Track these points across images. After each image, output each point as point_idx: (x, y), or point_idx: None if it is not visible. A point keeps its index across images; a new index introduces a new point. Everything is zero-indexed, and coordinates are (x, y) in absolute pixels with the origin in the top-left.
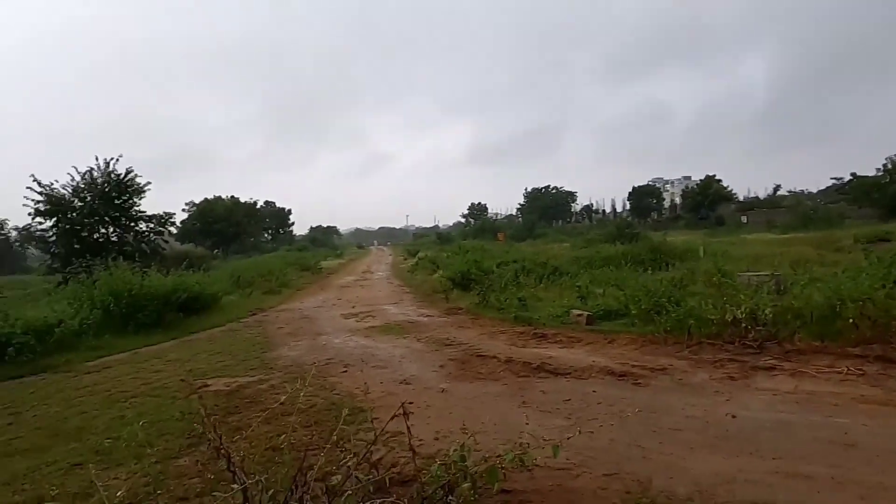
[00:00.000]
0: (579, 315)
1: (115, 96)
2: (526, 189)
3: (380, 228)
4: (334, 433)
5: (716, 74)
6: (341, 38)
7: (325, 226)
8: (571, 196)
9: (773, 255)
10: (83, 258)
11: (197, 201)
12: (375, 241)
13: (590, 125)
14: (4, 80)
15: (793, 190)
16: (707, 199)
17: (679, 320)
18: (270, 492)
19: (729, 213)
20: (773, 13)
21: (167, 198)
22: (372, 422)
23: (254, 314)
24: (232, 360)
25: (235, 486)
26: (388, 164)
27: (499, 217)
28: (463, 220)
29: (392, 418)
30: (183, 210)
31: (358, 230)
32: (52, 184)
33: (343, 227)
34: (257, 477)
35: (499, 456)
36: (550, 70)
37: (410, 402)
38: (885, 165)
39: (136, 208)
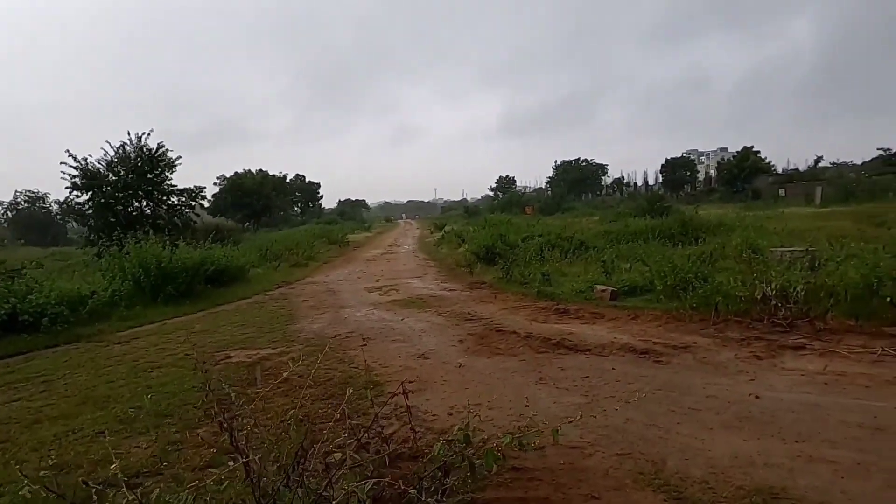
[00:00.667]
0: (603, 290)
1: (153, 69)
2: (555, 161)
3: (408, 202)
4: (339, 409)
5: (761, 39)
6: (376, 4)
7: (353, 199)
8: (602, 168)
9: (809, 230)
10: (116, 231)
11: (228, 175)
12: (403, 215)
13: (626, 94)
14: (45, 49)
15: (835, 162)
16: (743, 171)
17: (706, 297)
18: (275, 466)
19: (766, 186)
20: None
21: (202, 170)
22: (391, 397)
23: (280, 287)
24: (255, 332)
25: (235, 461)
26: (418, 136)
27: (527, 190)
28: (491, 193)
29: (392, 396)
30: (214, 184)
31: (386, 203)
32: (86, 158)
33: (371, 200)
34: (258, 455)
35: (498, 438)
36: (588, 36)
37: (423, 379)
38: None
39: (168, 182)
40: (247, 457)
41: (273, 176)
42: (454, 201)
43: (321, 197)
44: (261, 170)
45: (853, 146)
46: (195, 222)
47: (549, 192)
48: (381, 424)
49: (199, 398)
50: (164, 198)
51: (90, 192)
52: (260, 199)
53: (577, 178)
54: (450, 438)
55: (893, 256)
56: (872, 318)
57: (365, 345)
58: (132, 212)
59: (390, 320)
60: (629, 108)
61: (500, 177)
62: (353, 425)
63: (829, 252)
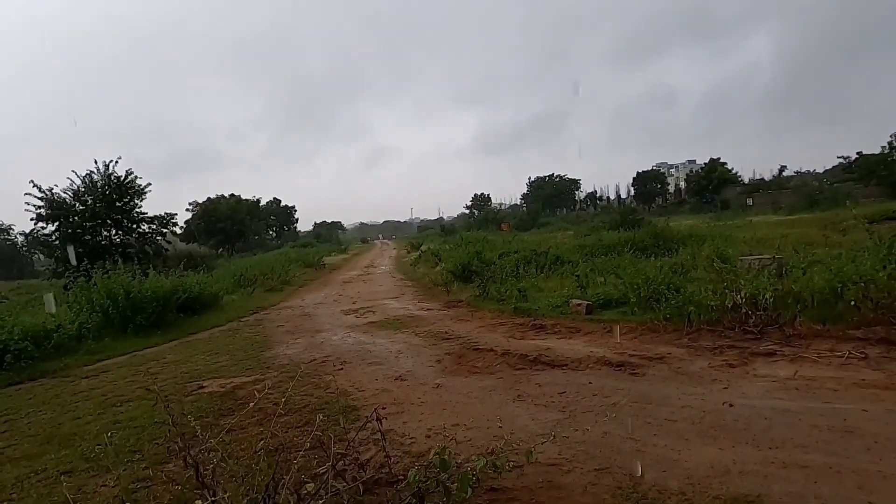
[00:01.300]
0: (578, 304)
1: (122, 97)
2: (529, 178)
3: (384, 222)
4: (311, 437)
5: (722, 55)
6: (348, 30)
7: (329, 221)
8: (575, 184)
9: (776, 238)
10: (84, 262)
11: (201, 201)
12: (380, 235)
13: (595, 111)
14: (10, 81)
15: (799, 171)
16: (711, 182)
17: (678, 307)
18: (245, 500)
19: (734, 196)
20: None
21: (176, 198)
22: (365, 423)
23: (255, 312)
24: (229, 361)
25: (202, 499)
26: (392, 157)
27: (503, 207)
28: (467, 211)
29: (365, 423)
30: (187, 210)
31: (362, 224)
32: (51, 188)
33: (347, 221)
34: (227, 489)
35: (474, 461)
36: (558, 55)
37: (400, 401)
38: (890, 142)
39: (138, 210)
40: (213, 493)
41: (247, 200)
42: (430, 220)
43: (296, 220)
44: (233, 194)
45: (814, 155)
46: (167, 250)
47: (525, 209)
48: (357, 450)
49: (172, 432)
50: (134, 226)
51: (56, 223)
52: (234, 224)
53: (551, 193)
54: (425, 463)
55: (854, 261)
56: (838, 322)
57: (341, 369)
58: (101, 241)
59: (367, 343)
60: (600, 123)
61: (475, 194)
62: (328, 453)
63: (796, 259)
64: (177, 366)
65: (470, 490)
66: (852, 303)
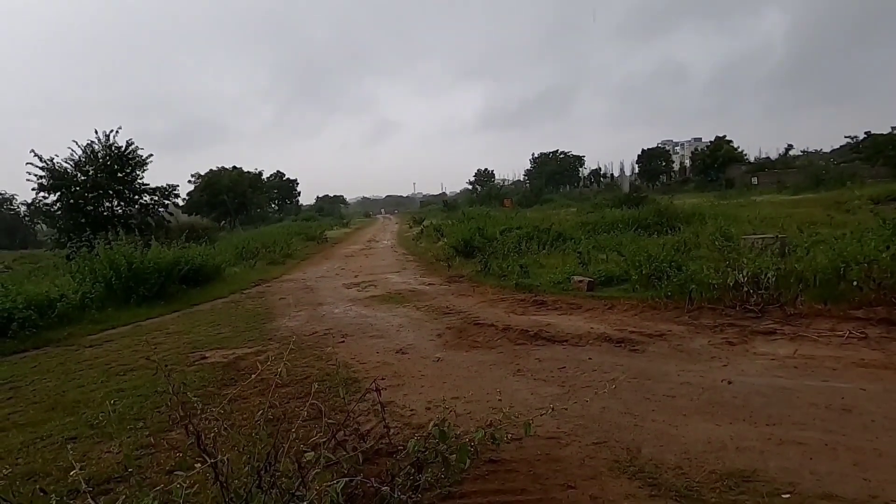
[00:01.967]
0: (580, 281)
1: (126, 69)
2: (533, 154)
3: (387, 197)
4: (310, 406)
5: (734, 31)
6: (354, 1)
7: (331, 195)
8: (579, 160)
9: (780, 217)
10: (86, 232)
11: (203, 173)
12: (382, 210)
13: (602, 87)
14: (16, 52)
15: (805, 150)
16: (717, 160)
17: (680, 285)
18: (247, 467)
19: (739, 175)
20: None
21: (181, 169)
22: (364, 393)
23: (256, 285)
24: (231, 332)
25: (201, 464)
26: (396, 131)
27: (506, 183)
28: (470, 186)
29: (364, 394)
30: (189, 182)
31: (365, 199)
32: (52, 158)
33: (350, 196)
34: (228, 457)
35: (473, 433)
36: (565, 29)
37: (401, 374)
38: None
39: (140, 181)
40: (215, 459)
41: (249, 173)
42: (433, 195)
43: (299, 193)
44: (235, 167)
45: (822, 134)
46: (169, 221)
47: (528, 185)
48: (357, 421)
49: (174, 401)
50: (136, 197)
51: (58, 193)
52: (235, 196)
53: (554, 170)
54: (424, 434)
55: (858, 241)
56: (840, 301)
57: (342, 342)
58: (103, 212)
59: (368, 316)
60: (607, 100)
61: (478, 170)
62: (329, 423)
63: (799, 238)
64: (179, 336)
65: (469, 461)
66: (854, 283)
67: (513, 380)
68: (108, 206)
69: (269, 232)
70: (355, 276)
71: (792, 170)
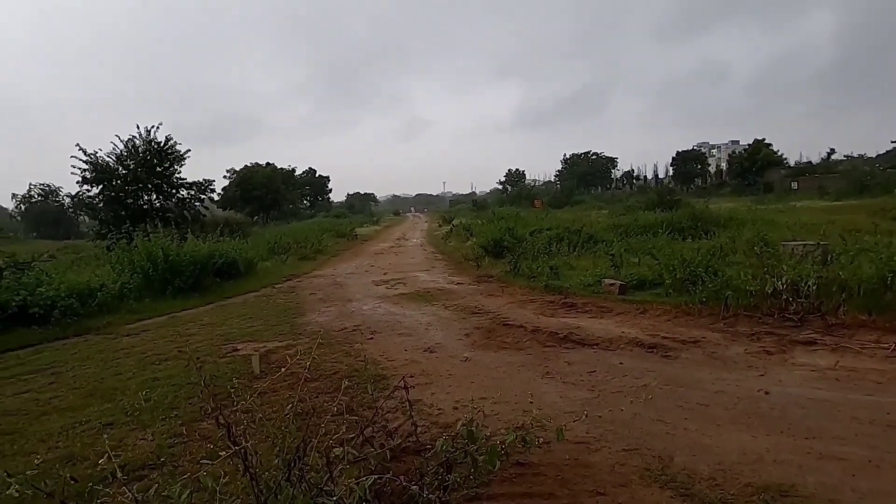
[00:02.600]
0: (611, 284)
1: (167, 64)
2: (565, 155)
3: (416, 195)
4: (338, 402)
5: (780, 31)
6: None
7: (362, 193)
8: (612, 162)
9: (822, 224)
10: (126, 224)
11: (238, 168)
12: (412, 208)
13: (638, 87)
14: (61, 47)
15: (849, 155)
16: (755, 164)
17: (715, 291)
18: (276, 460)
19: (778, 180)
20: None
21: (216, 163)
22: (393, 391)
23: (288, 280)
24: (263, 325)
25: (231, 455)
26: (428, 129)
27: (536, 184)
28: (500, 186)
29: (394, 390)
30: (224, 177)
31: (395, 197)
32: (96, 152)
33: (380, 193)
34: (258, 449)
35: (503, 434)
36: (604, 28)
37: (429, 372)
38: None
39: (177, 175)
40: (245, 451)
41: (282, 169)
42: (463, 195)
43: (330, 190)
44: (269, 163)
45: (867, 139)
46: (204, 216)
47: (559, 186)
48: (385, 418)
49: (201, 392)
50: (174, 191)
51: (100, 186)
52: (269, 192)
53: (586, 171)
54: (453, 434)
55: None
56: (886, 312)
57: (371, 338)
58: (142, 205)
59: (397, 314)
60: (643, 100)
61: (509, 170)
62: (357, 419)
63: (842, 246)
64: (213, 328)
65: (498, 463)
66: None
67: (541, 382)
68: (146, 200)
69: (300, 228)
70: (384, 274)
71: (834, 175)
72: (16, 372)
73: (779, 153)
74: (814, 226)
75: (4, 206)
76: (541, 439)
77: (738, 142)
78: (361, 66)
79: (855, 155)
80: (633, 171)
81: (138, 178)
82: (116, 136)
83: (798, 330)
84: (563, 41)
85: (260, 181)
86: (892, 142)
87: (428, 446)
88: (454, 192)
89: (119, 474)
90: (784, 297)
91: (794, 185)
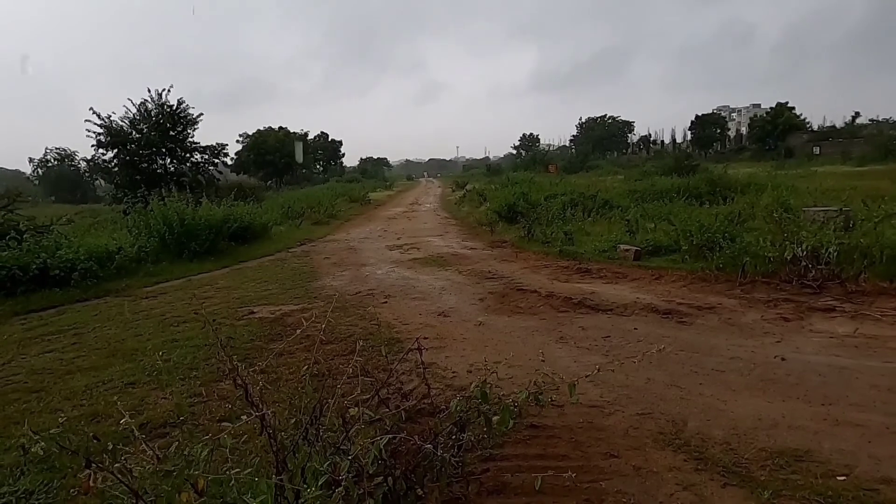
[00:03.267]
0: (626, 250)
1: (186, 27)
2: (580, 119)
3: (429, 160)
4: (352, 364)
5: None
6: None
7: (375, 157)
8: (628, 126)
9: (844, 189)
10: (141, 188)
11: (251, 133)
12: (425, 173)
13: (660, 49)
14: (80, 12)
15: (874, 119)
16: (777, 128)
17: (733, 257)
18: (292, 420)
19: (800, 144)
20: None
21: (232, 127)
22: (406, 353)
23: (302, 244)
24: (278, 289)
25: (248, 412)
26: (442, 93)
27: (551, 148)
28: (514, 151)
29: (407, 352)
30: (237, 141)
31: (408, 161)
32: (110, 116)
33: (393, 158)
34: (274, 410)
35: (516, 394)
36: None
37: (443, 336)
38: None
39: (190, 139)
40: (262, 412)
41: (295, 134)
42: (476, 159)
43: (343, 155)
44: (282, 127)
45: (894, 102)
46: (218, 180)
47: (573, 151)
48: (400, 381)
49: (218, 354)
50: (187, 155)
51: (115, 150)
52: (282, 157)
53: (602, 135)
54: (467, 395)
55: None
56: None
57: (385, 302)
58: (156, 169)
59: (411, 278)
60: (663, 63)
61: (523, 134)
62: (371, 381)
63: (865, 212)
64: (229, 291)
65: (511, 422)
66: None
67: (555, 346)
68: (161, 164)
69: (313, 192)
70: (398, 239)
71: (858, 139)
72: (40, 332)
73: (801, 117)
74: (836, 191)
75: (23, 170)
76: (553, 400)
77: (759, 105)
78: (377, 28)
79: (881, 119)
80: (649, 135)
81: (151, 141)
82: (129, 99)
83: (817, 297)
84: (583, 2)
85: (272, 145)
86: None
87: (442, 408)
88: (468, 157)
89: (137, 433)
90: (803, 263)
91: (817, 149)
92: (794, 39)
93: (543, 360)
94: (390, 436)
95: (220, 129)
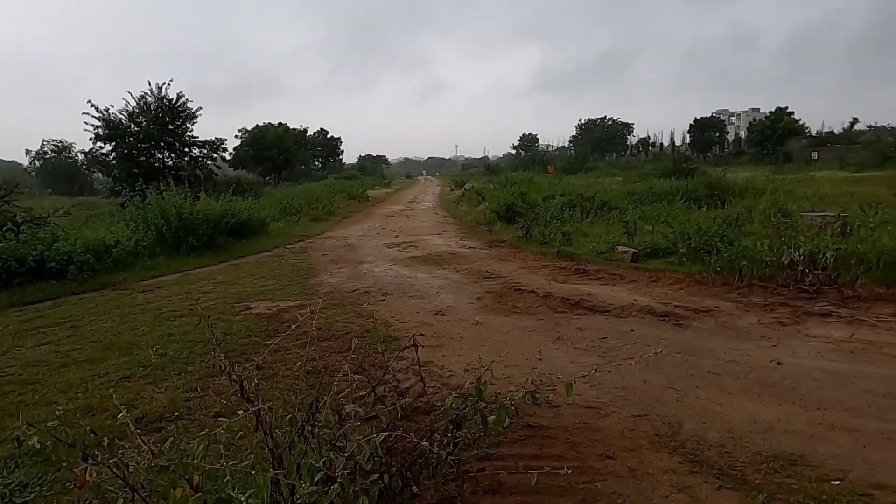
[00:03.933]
0: (624, 252)
1: (190, 20)
2: (580, 120)
3: (428, 158)
4: (349, 361)
5: None
6: None
7: (374, 155)
8: (628, 128)
9: (841, 195)
10: (139, 182)
11: (249, 128)
12: (424, 172)
13: (664, 52)
14: (78, 3)
15: (873, 125)
16: (775, 133)
17: (730, 260)
18: (288, 417)
19: (798, 149)
20: None
21: (234, 122)
22: (402, 350)
23: (300, 240)
24: (275, 285)
25: (244, 408)
26: (443, 92)
27: (550, 149)
28: (513, 151)
29: (403, 349)
30: (236, 136)
31: (407, 160)
32: (108, 109)
33: (392, 156)
34: (270, 405)
35: (512, 393)
36: None
37: (440, 335)
38: None
39: (189, 134)
40: (257, 409)
41: (294, 130)
42: (475, 159)
43: (342, 152)
44: (281, 123)
45: (893, 109)
46: (217, 175)
47: (572, 151)
48: (396, 378)
49: (221, 348)
50: (186, 149)
51: (113, 143)
52: (280, 152)
53: (601, 137)
54: (463, 393)
55: None
56: None
57: (382, 300)
58: (154, 163)
59: (408, 276)
60: (666, 66)
61: (522, 135)
62: (369, 378)
63: (862, 218)
64: (226, 286)
65: (508, 420)
66: None
67: (552, 347)
68: (159, 158)
69: (312, 189)
70: (396, 236)
71: (856, 145)
72: (36, 324)
73: (800, 122)
74: (833, 197)
75: (20, 161)
76: (549, 399)
77: (758, 109)
78: (382, 25)
79: (879, 125)
80: (648, 137)
81: (150, 135)
82: (129, 92)
83: (813, 302)
84: (589, 2)
85: (271, 141)
86: None
87: (439, 406)
88: (467, 156)
89: (132, 427)
90: (800, 268)
91: (815, 154)
92: (796, 45)
93: (541, 359)
94: (386, 433)
95: (224, 123)
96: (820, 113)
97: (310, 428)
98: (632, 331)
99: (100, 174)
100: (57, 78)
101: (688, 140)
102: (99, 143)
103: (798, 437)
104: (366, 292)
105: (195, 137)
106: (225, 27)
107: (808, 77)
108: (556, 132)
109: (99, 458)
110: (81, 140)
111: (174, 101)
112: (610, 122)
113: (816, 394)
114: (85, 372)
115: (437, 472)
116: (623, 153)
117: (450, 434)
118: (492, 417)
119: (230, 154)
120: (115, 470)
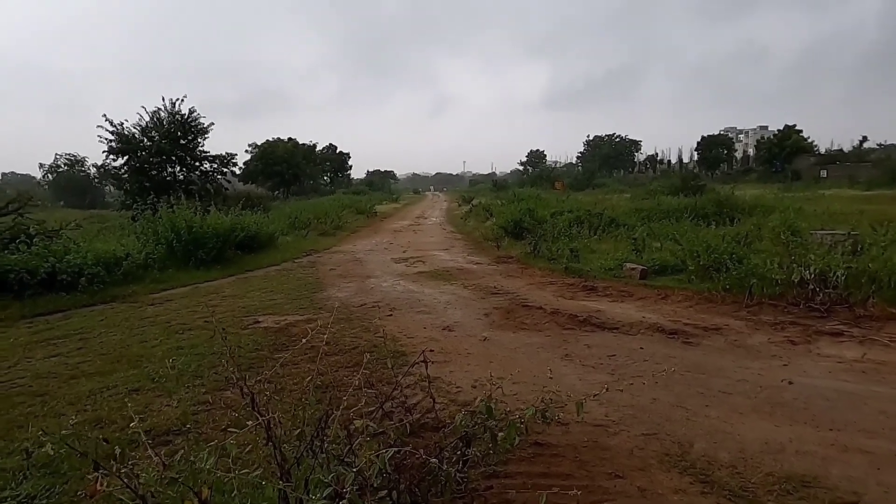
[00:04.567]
0: (633, 268)
1: (203, 36)
2: (588, 136)
3: (436, 174)
4: (358, 376)
5: (824, 11)
6: None
7: (382, 170)
8: (636, 145)
9: (851, 213)
10: (150, 195)
11: (259, 143)
12: (431, 187)
13: (673, 69)
14: (96, 20)
15: (882, 143)
16: (784, 150)
17: (739, 278)
18: (297, 431)
19: (807, 167)
20: None
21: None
22: (411, 366)
23: (308, 255)
24: (283, 299)
25: (253, 421)
26: (451, 108)
27: (558, 165)
28: (521, 167)
29: (412, 365)
30: (246, 151)
31: (415, 175)
32: (122, 123)
33: (400, 171)
34: (279, 420)
35: (521, 410)
36: (642, 6)
37: (448, 351)
38: None
39: (200, 148)
40: (268, 422)
41: (303, 145)
42: (483, 174)
43: (350, 167)
44: (291, 138)
45: None
46: (227, 189)
47: (580, 168)
48: (404, 394)
49: (225, 362)
50: (197, 164)
51: (126, 157)
52: (290, 167)
53: (609, 153)
54: (472, 410)
55: None
56: None
57: (390, 315)
58: (166, 177)
59: (416, 291)
60: (674, 82)
61: (530, 151)
62: (376, 393)
63: (873, 236)
64: (234, 300)
65: (517, 439)
66: None
67: (560, 364)
68: (170, 172)
69: (320, 204)
70: (403, 252)
71: (866, 163)
72: (46, 336)
73: (809, 140)
74: (843, 215)
75: (33, 174)
76: (558, 416)
77: (766, 127)
78: (392, 41)
79: (888, 143)
80: (656, 154)
81: (162, 149)
82: (143, 107)
83: (824, 321)
84: (599, 19)
85: (280, 156)
86: None
87: (446, 423)
88: (474, 172)
89: (143, 439)
90: (811, 286)
91: (824, 173)
92: (805, 62)
93: (551, 377)
94: (395, 449)
95: (235, 138)
96: (828, 131)
97: (319, 443)
98: (641, 348)
99: (111, 187)
100: (72, 93)
101: (696, 157)
102: (111, 157)
103: (810, 459)
104: (374, 307)
105: (206, 152)
106: (239, 44)
107: (817, 95)
108: (564, 149)
109: (110, 468)
110: (94, 154)
111: (186, 116)
112: (618, 139)
113: (829, 414)
114: (94, 384)
115: (446, 490)
116: (631, 170)
117: (459, 451)
118: (501, 435)
119: (240, 169)
120: (125, 480)
